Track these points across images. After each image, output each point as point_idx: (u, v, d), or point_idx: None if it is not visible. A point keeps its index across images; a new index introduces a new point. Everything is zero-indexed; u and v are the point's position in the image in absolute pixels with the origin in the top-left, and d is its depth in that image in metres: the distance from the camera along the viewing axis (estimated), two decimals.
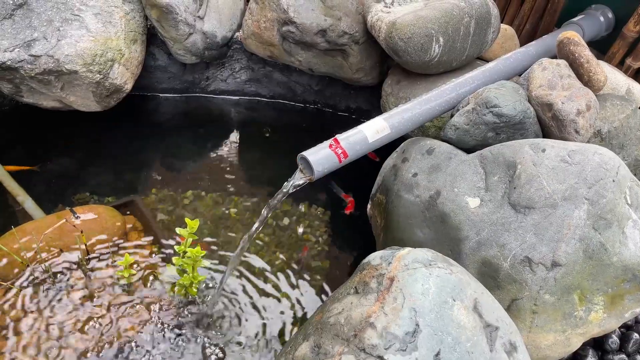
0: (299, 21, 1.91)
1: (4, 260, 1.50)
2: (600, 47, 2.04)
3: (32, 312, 1.42)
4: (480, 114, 1.41)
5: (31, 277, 1.49)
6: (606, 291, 1.23)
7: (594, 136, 1.47)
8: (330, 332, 0.98)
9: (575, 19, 1.98)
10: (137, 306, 1.48)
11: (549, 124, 1.42)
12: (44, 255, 1.54)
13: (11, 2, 1.71)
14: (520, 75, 1.66)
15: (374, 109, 2.28)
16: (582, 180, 1.20)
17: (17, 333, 1.37)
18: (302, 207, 1.90)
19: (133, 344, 1.39)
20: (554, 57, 1.57)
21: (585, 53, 1.46)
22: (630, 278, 1.23)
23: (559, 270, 1.18)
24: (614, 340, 1.45)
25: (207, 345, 1.41)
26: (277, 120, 2.35)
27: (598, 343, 1.46)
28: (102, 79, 1.82)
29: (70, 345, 1.36)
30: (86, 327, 1.41)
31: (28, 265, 1.51)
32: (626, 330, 1.51)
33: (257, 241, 1.74)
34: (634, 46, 1.88)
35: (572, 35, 1.50)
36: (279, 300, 1.57)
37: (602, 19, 1.96)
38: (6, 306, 1.42)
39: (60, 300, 1.46)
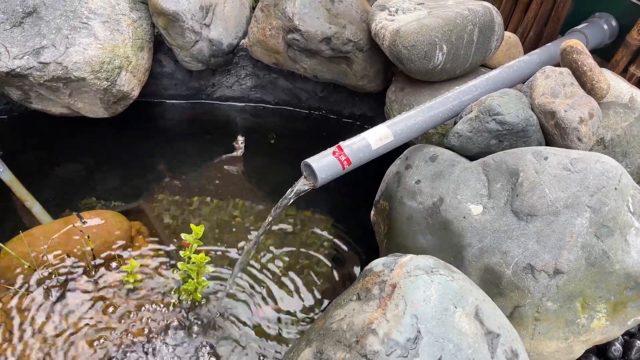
0: (304, 29, 1.93)
1: (12, 265, 1.52)
2: (604, 54, 2.04)
3: (38, 316, 1.43)
4: (483, 122, 1.42)
5: (38, 282, 1.51)
6: (609, 299, 1.23)
7: (596, 144, 1.47)
8: (333, 338, 0.99)
9: (579, 27, 1.98)
10: (142, 311, 1.49)
11: (551, 132, 1.42)
12: (51, 259, 1.56)
13: (21, 10, 1.74)
14: (523, 83, 1.67)
15: (378, 115, 2.29)
16: (584, 188, 1.21)
17: (24, 337, 1.38)
18: (305, 213, 1.91)
19: (138, 348, 1.40)
20: (558, 65, 1.58)
21: (588, 61, 1.47)
22: (633, 286, 1.23)
23: (561, 277, 1.19)
24: (617, 347, 1.45)
25: (210, 350, 1.42)
26: (282, 127, 2.37)
27: (601, 351, 1.46)
28: (110, 86, 1.84)
29: (76, 349, 1.38)
30: (92, 332, 1.42)
31: (35, 270, 1.53)
32: (629, 337, 1.51)
33: (261, 246, 1.75)
34: (637, 54, 1.88)
35: (575, 43, 1.51)
36: (282, 306, 1.58)
37: (605, 27, 1.96)
38: (13, 310, 1.44)
39: (66, 304, 1.47)
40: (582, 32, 1.93)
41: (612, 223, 1.20)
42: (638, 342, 1.48)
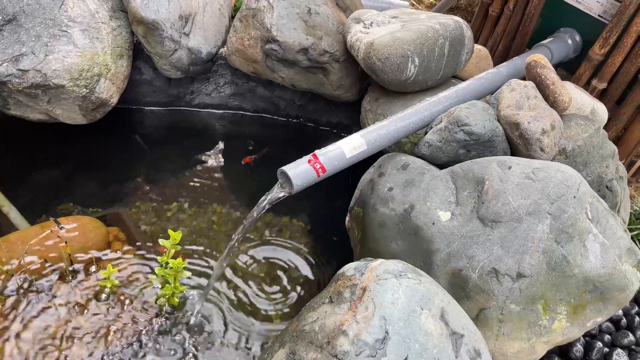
0: (281, 39, 1.98)
1: None
2: (569, 68, 2.13)
3: (15, 321, 1.44)
4: (452, 132, 1.49)
5: (15, 287, 1.52)
6: (569, 301, 1.30)
7: (559, 154, 1.54)
8: (305, 340, 1.03)
9: (544, 42, 2.07)
10: (120, 316, 1.51)
11: (516, 142, 1.49)
12: (28, 265, 1.56)
13: (0, 17, 1.75)
14: (492, 95, 1.74)
15: (354, 124, 2.35)
16: (545, 196, 1.28)
17: (1, 343, 1.39)
18: (283, 219, 1.95)
19: (115, 353, 1.42)
20: (524, 78, 1.65)
21: (551, 75, 1.54)
22: (592, 289, 1.30)
23: (524, 281, 1.25)
24: (579, 348, 1.52)
25: (187, 354, 1.45)
26: (260, 134, 2.40)
27: (563, 351, 1.53)
28: (89, 93, 1.86)
29: (53, 355, 1.39)
30: (69, 337, 1.43)
31: (12, 275, 1.53)
32: (591, 339, 1.58)
33: (238, 252, 1.78)
34: (599, 68, 1.97)
35: (540, 58, 1.58)
36: (259, 309, 1.61)
37: (570, 41, 2.05)
38: None
39: (43, 310, 1.48)
40: (547, 46, 2.01)
41: (571, 229, 1.27)
42: (599, 343, 1.55)
